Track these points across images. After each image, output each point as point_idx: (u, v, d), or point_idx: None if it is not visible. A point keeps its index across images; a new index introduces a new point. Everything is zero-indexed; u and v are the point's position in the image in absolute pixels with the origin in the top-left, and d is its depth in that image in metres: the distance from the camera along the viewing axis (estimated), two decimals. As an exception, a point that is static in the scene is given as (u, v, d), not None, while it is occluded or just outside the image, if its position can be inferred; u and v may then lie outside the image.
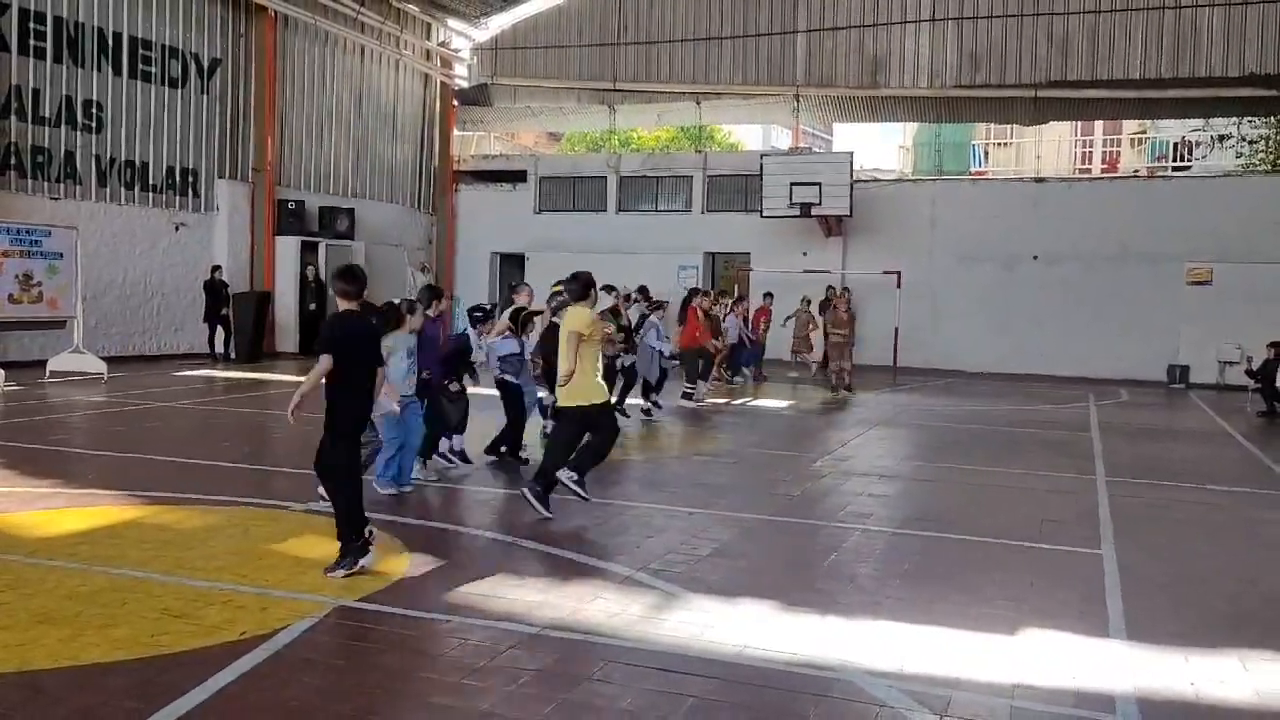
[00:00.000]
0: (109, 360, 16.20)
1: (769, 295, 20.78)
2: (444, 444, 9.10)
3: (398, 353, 7.65)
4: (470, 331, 9.21)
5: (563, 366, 7.41)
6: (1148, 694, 4.38)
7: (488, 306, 9.46)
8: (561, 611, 5.21)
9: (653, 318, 13.66)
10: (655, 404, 13.29)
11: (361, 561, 5.70)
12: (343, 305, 6.02)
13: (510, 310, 9.59)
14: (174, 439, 10.87)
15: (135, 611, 5.02)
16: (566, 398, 7.49)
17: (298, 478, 8.21)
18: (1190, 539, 7.62)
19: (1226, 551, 7.28)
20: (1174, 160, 27.28)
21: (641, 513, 7.76)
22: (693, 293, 15.60)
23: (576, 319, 7.44)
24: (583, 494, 7.48)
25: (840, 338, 17.08)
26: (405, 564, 6.03)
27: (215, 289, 19.59)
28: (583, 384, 7.41)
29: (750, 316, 19.76)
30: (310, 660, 4.52)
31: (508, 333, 9.37)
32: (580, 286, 7.62)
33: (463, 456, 9.23)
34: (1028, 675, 4.56)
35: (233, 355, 19.43)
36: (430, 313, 8.43)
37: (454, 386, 8.90)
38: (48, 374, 15.28)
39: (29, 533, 6.52)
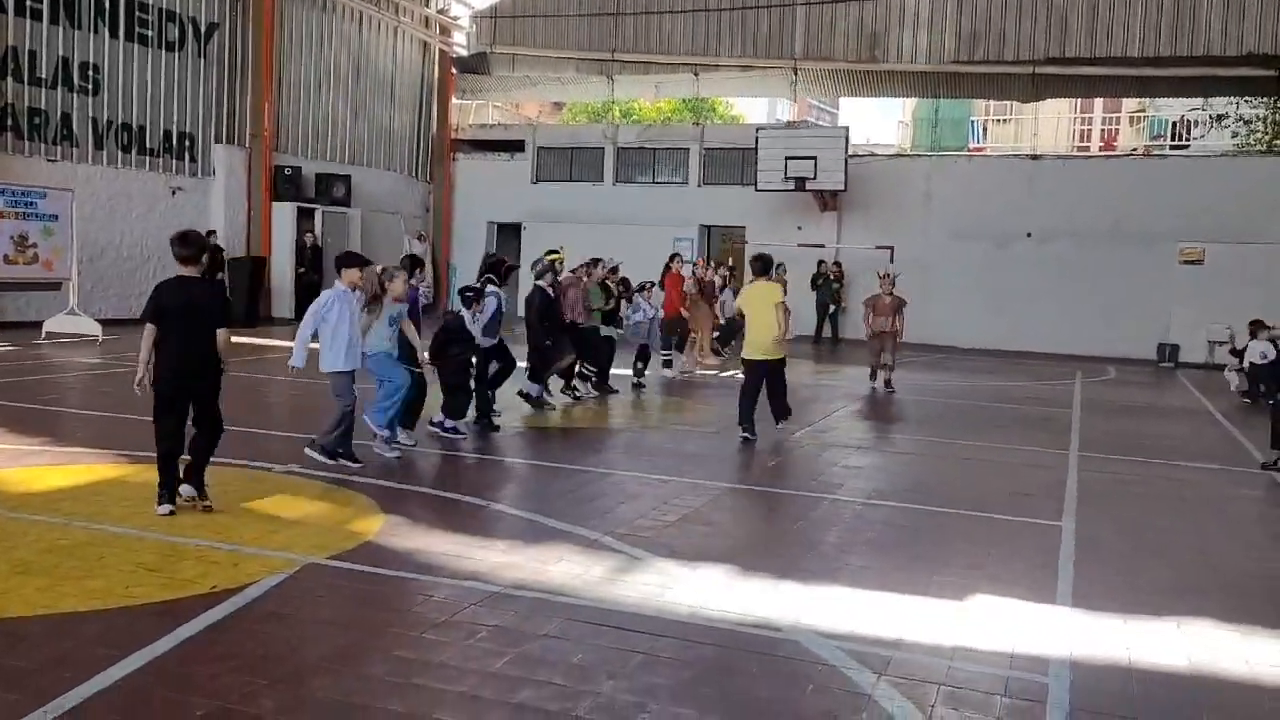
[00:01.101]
0: (105, 323, 16.36)
1: (762, 267, 20.82)
2: (437, 415, 9.23)
3: (381, 321, 7.90)
4: (465, 313, 9.32)
5: (772, 330, 9.45)
6: (1082, 658, 4.54)
7: (477, 286, 9.58)
8: (525, 572, 5.38)
9: (639, 299, 13.88)
10: (641, 382, 13.45)
11: (159, 509, 6.02)
12: (182, 270, 6.09)
13: (492, 262, 9.80)
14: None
15: (112, 565, 5.19)
16: (753, 353, 9.66)
17: (283, 440, 8.40)
18: (1153, 513, 7.75)
19: (1187, 525, 7.42)
20: (1172, 139, 27.23)
21: (617, 480, 7.93)
22: (672, 258, 15.62)
23: (776, 293, 9.60)
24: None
25: (882, 327, 14.15)
26: (378, 524, 6.20)
27: (211, 254, 19.69)
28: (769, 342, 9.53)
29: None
30: (277, 614, 4.68)
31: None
32: (763, 265, 9.88)
33: (455, 430, 9.33)
34: (970, 639, 4.72)
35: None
36: (413, 281, 8.59)
37: (453, 350, 9.03)
38: (43, 335, 15.44)
39: (14, 488, 6.70)
